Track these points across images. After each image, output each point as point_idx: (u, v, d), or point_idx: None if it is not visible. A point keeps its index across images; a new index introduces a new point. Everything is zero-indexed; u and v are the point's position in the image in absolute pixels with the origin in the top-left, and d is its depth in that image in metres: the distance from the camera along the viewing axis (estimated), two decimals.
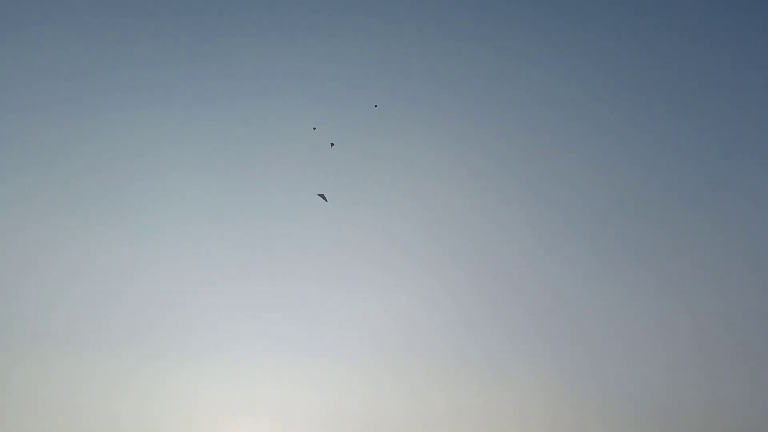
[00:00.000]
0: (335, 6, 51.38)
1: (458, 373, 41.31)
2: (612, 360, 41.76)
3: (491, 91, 50.67)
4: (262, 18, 51.10)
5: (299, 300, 43.81)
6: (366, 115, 47.07)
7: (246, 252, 45.59)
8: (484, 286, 45.25)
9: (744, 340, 41.49)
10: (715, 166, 48.86)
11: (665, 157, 49.77)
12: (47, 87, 47.59)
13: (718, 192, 47.76)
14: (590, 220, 47.52)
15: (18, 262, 42.17)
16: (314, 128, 39.28)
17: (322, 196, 36.98)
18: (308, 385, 40.17)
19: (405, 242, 45.88)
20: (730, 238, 45.72)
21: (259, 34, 50.94)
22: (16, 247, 42.56)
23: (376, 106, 43.01)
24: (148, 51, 49.46)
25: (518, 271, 45.68)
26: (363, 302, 44.16)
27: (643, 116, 50.74)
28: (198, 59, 49.96)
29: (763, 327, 41.35)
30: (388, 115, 47.08)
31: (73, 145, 47.33)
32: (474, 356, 42.10)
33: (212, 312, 42.87)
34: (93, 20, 48.91)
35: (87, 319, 41.37)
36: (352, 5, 51.52)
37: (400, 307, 43.85)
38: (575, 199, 48.07)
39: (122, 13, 49.41)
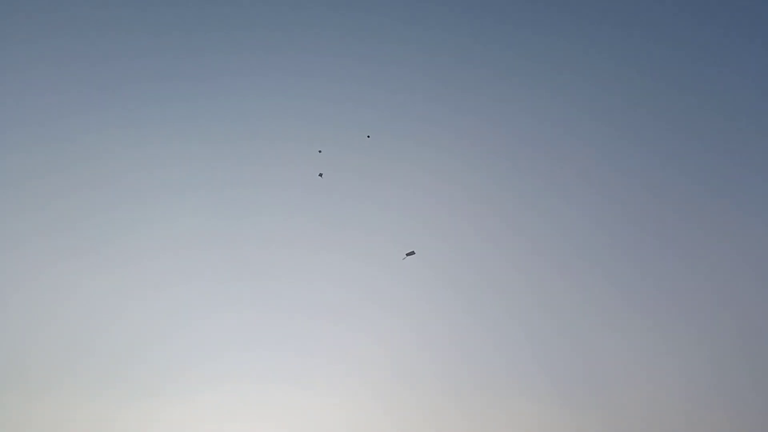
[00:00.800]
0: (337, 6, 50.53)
1: (453, 404, 39.90)
2: (613, 389, 40.31)
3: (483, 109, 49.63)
4: (261, 14, 50.14)
5: (290, 332, 42.31)
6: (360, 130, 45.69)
7: (235, 283, 43.79)
8: (479, 315, 43.77)
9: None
10: (719, 173, 48.31)
11: (670, 165, 49.08)
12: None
13: (724, 201, 46.99)
14: (594, 242, 46.47)
15: None
16: (320, 171, 39.11)
17: (410, 253, 35.81)
18: (300, 418, 38.60)
19: (398, 272, 43.99)
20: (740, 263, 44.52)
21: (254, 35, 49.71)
22: None
23: (368, 136, 42.35)
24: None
25: (513, 299, 44.46)
26: (355, 334, 42.56)
27: (649, 124, 50.28)
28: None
29: None
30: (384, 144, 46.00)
31: (47, 164, 45.00)
32: (468, 387, 40.70)
33: (201, 346, 40.91)
34: (85, 15, 47.40)
35: (67, 355, 38.99)
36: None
37: (392, 340, 42.41)
38: (579, 226, 47.02)
39: (117, 9, 48.04)
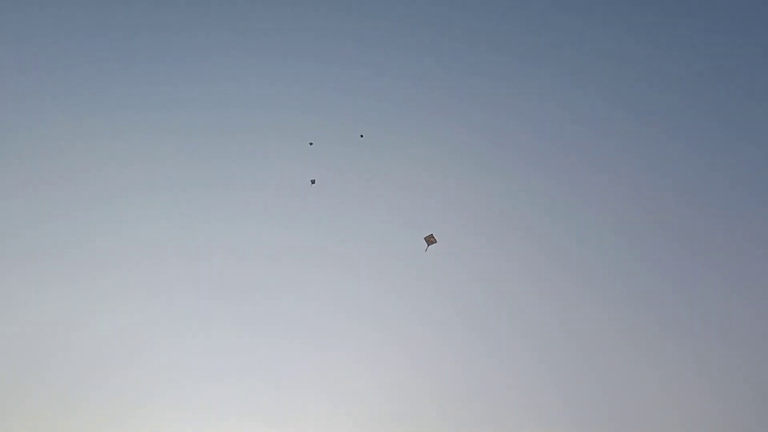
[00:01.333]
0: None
1: None
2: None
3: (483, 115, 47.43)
4: (257, 15, 47.81)
5: (267, 359, 38.82)
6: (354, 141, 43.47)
7: (204, 301, 40.43)
8: (487, 337, 40.58)
9: None
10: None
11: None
12: None
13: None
14: (616, 254, 43.94)
15: None
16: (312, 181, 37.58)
17: (429, 240, 34.13)
18: None
19: (394, 288, 41.22)
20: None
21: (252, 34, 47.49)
22: None
23: (361, 136, 40.73)
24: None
25: (524, 319, 41.41)
26: (343, 360, 39.25)
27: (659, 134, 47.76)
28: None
29: None
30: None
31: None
32: (475, 420, 37.07)
33: (161, 374, 37.34)
34: (82, 15, 44.86)
35: (10, 383, 35.42)
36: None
37: (387, 368, 39.07)
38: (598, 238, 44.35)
39: (115, 9, 45.79)
